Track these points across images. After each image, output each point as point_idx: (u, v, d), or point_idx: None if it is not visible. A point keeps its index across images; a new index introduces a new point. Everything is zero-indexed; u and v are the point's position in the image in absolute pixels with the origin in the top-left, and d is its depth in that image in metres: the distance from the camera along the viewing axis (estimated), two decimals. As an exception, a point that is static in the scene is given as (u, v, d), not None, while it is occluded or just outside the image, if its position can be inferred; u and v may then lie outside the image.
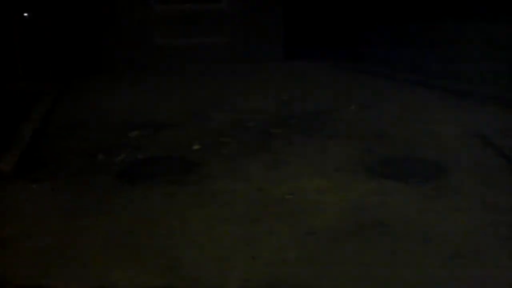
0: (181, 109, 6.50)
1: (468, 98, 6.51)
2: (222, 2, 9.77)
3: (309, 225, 3.46)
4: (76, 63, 8.64)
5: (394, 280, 2.86)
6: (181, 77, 8.39)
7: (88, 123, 5.97)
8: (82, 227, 3.53)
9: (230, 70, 8.87)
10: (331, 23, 10.82)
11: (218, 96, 7.15)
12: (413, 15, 9.29)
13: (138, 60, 9.17)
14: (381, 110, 6.22)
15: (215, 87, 7.70)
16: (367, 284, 2.85)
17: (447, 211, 3.62)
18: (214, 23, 9.67)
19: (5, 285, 2.90)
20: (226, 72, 8.74)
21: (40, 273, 2.98)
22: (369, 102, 6.61)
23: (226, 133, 5.44)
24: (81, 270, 3.03)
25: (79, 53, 8.76)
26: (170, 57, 9.42)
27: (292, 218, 3.57)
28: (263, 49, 9.87)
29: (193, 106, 6.57)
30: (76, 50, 8.76)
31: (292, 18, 10.37)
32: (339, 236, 3.33)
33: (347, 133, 5.37)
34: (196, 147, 5.01)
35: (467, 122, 5.57)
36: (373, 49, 9.46)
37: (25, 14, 8.14)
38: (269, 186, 4.09)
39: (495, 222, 3.43)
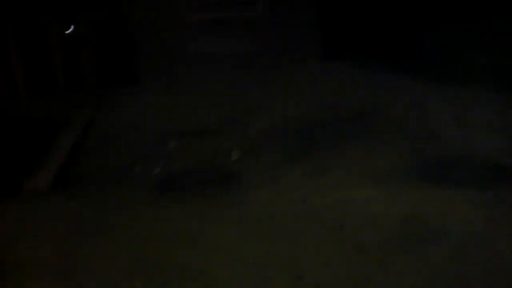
0: (219, 117, 6.29)
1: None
2: (257, 6, 9.56)
3: (359, 240, 3.16)
4: (112, 74, 8.58)
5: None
6: (216, 84, 8.20)
7: (125, 135, 5.83)
8: (113, 246, 3.36)
9: (266, 76, 8.63)
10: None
11: (255, 102, 6.91)
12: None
13: (172, 69, 9.07)
14: (427, 109, 5.84)
15: (252, 94, 7.47)
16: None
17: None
18: (249, 29, 9.47)
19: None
20: (262, 78, 8.51)
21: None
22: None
23: (266, 141, 5.18)
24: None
25: (114, 64, 8.69)
26: (205, 65, 9.28)
27: (340, 233, 3.27)
28: (299, 53, 9.60)
29: (230, 113, 6.35)
30: (112, 61, 8.70)
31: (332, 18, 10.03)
32: (393, 253, 3.01)
33: (394, 134, 5.02)
34: (234, 156, 4.77)
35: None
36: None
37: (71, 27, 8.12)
38: (314, 197, 3.81)
39: None
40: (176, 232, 3.47)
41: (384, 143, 4.81)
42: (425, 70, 7.53)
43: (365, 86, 7.34)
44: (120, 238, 3.43)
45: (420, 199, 3.65)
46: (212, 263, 3.05)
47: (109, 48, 8.69)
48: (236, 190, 4.03)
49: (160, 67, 8.97)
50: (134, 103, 7.42)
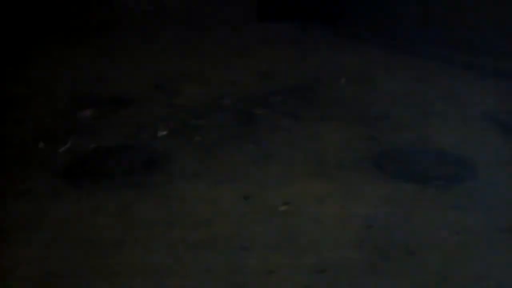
0: (145, 80, 5.37)
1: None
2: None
3: (316, 256, 2.52)
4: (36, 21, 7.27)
5: None
6: (146, 46, 7.18)
7: (29, 98, 4.80)
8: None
9: (199, 35, 7.70)
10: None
11: (187, 66, 6.01)
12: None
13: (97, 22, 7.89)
14: (379, 85, 5.27)
15: (184, 56, 6.54)
16: None
17: (492, 232, 2.74)
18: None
19: None
20: (195, 37, 7.56)
21: None
22: (363, 75, 5.63)
23: (199, 114, 4.39)
24: None
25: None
26: (131, 21, 8.17)
27: (293, 246, 2.62)
28: (233, 10, 8.73)
29: (159, 77, 5.45)
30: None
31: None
32: (355, 272, 2.40)
33: (343, 115, 4.40)
34: (162, 132, 3.96)
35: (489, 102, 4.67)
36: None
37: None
38: (257, 192, 3.12)
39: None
40: (82, 236, 2.68)
41: (332, 123, 4.20)
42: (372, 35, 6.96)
43: (307, 53, 6.68)
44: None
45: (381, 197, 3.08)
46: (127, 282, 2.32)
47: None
48: (163, 181, 3.25)
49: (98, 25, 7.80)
50: (50, 60, 6.30)
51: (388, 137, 3.94)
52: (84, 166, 3.47)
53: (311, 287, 2.30)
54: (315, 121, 4.24)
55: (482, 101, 4.66)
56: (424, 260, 2.50)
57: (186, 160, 3.54)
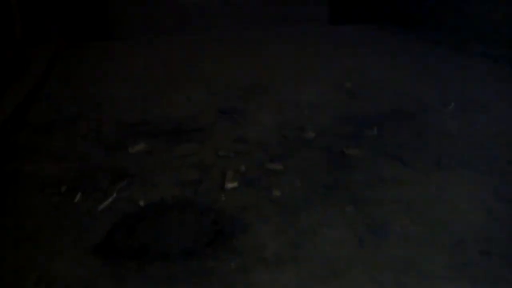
0: (206, 99, 4.40)
1: None
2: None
3: None
4: (81, 26, 6.50)
5: None
6: (205, 46, 6.19)
7: (65, 124, 3.90)
8: None
9: (268, 37, 6.65)
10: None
11: (257, 79, 4.99)
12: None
13: (152, 22, 7.00)
14: (498, 113, 4.05)
15: (251, 65, 5.52)
16: None
17: None
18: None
19: None
20: (264, 40, 6.50)
21: None
22: (472, 97, 4.41)
23: (275, 153, 3.35)
24: None
25: (83, 14, 6.60)
26: (192, 18, 7.23)
27: None
28: (303, 9, 7.65)
29: (223, 96, 4.45)
30: (80, 9, 6.61)
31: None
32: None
33: (467, 160, 3.23)
34: (231, 184, 2.95)
35: None
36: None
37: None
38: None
39: None
40: None
41: (456, 175, 3.04)
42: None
43: (396, 60, 5.48)
44: None
45: None
46: None
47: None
48: (234, 269, 2.24)
49: (136, 20, 6.93)
50: (94, 71, 5.41)
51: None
52: (129, 237, 2.50)
53: None
54: (431, 170, 3.11)
55: None
56: None
57: (263, 230, 2.50)
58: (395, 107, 4.17)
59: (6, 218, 2.66)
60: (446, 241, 2.40)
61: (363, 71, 5.26)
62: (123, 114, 4.05)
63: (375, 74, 5.13)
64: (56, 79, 4.93)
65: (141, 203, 2.76)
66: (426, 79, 4.89)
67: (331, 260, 2.28)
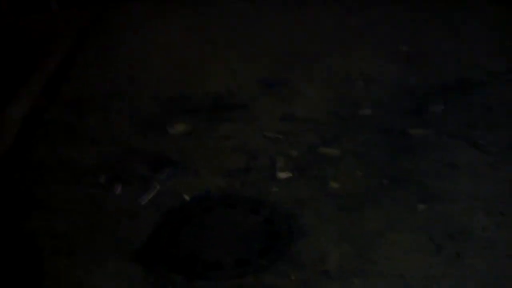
0: (246, 69, 4.01)
1: None
2: None
3: None
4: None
5: None
6: (246, 13, 5.72)
7: (99, 101, 3.59)
8: None
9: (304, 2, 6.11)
10: None
11: (299, 45, 4.54)
12: None
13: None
14: None
15: (291, 28, 5.05)
16: None
17: None
18: None
19: None
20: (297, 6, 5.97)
21: None
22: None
23: (329, 134, 2.99)
24: None
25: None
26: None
27: None
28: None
29: (267, 68, 4.05)
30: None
31: None
32: None
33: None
34: (282, 174, 2.62)
35: None
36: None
37: None
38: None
39: None
40: None
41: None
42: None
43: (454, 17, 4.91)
44: None
45: None
46: None
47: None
48: (295, 283, 1.95)
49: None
50: (129, 35, 5.03)
51: None
52: (174, 242, 2.22)
53: None
54: (508, 155, 2.70)
55: None
56: None
57: (324, 234, 2.19)
58: (459, 76, 3.70)
59: (37, 219, 2.41)
60: (539, 248, 2.05)
61: (418, 35, 4.73)
62: (160, 88, 3.72)
63: (431, 38, 4.61)
64: (89, 48, 4.62)
65: (186, 197, 2.48)
66: (489, 44, 4.36)
67: (406, 273, 1.96)
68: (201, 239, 2.19)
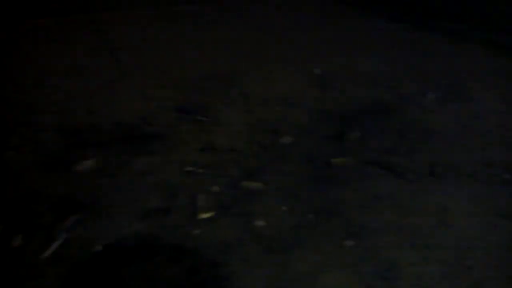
0: (161, 94, 3.79)
1: None
2: None
3: None
4: None
5: None
6: (153, 25, 5.47)
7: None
8: None
9: (224, 17, 6.00)
10: None
11: (216, 67, 4.40)
12: None
13: None
14: (481, 103, 3.71)
15: (208, 49, 4.91)
16: None
17: None
18: None
19: None
20: (219, 20, 5.86)
21: None
22: (453, 84, 4.05)
23: (250, 166, 2.85)
24: None
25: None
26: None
27: None
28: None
29: (184, 93, 3.84)
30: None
31: None
32: None
33: (460, 162, 2.88)
34: (204, 213, 2.43)
35: None
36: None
37: None
38: None
39: None
40: None
41: (456, 184, 2.68)
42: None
43: (365, 42, 5.02)
44: None
45: None
46: None
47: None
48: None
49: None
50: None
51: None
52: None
53: None
54: (425, 182, 2.72)
55: None
56: None
57: (250, 280, 2.03)
58: (374, 98, 3.75)
59: None
60: (465, 280, 2.04)
61: (330, 55, 4.78)
62: (64, 117, 3.38)
63: (343, 58, 4.67)
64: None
65: (96, 248, 2.21)
66: (401, 65, 4.49)
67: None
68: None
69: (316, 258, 2.17)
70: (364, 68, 4.36)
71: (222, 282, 2.02)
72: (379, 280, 2.05)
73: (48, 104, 3.56)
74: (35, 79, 3.94)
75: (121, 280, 2.04)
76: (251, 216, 2.42)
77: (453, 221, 2.41)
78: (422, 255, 2.18)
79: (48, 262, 2.13)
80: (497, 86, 4.03)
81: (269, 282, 2.03)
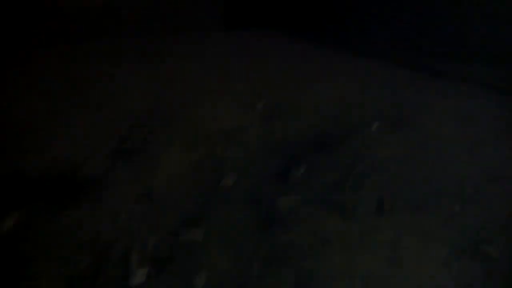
0: (99, 138, 3.53)
1: None
2: None
3: None
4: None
5: None
6: (89, 60, 5.21)
7: None
8: None
9: (160, 49, 5.82)
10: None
11: (156, 102, 4.19)
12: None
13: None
14: (423, 130, 3.66)
15: (146, 84, 4.69)
16: None
17: None
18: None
19: None
20: (155, 52, 5.67)
21: None
22: (395, 110, 4.00)
23: (191, 214, 2.64)
24: None
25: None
26: (70, 23, 6.15)
27: None
28: (192, 11, 6.87)
29: (122, 131, 3.61)
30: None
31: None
32: None
33: (409, 199, 2.78)
34: (139, 276, 2.20)
35: None
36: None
37: None
38: None
39: None
40: None
41: (407, 222, 2.56)
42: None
43: (304, 69, 4.94)
44: None
45: None
46: None
47: None
48: None
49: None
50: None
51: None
52: None
53: None
54: (374, 220, 2.60)
55: None
56: None
57: None
58: (319, 131, 3.63)
59: None
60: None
61: (275, 87, 4.66)
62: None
63: (287, 90, 4.56)
64: None
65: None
66: (347, 93, 4.42)
67: None
68: None
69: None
70: (309, 99, 4.26)
71: None
72: None
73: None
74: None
75: None
76: (191, 272, 2.21)
77: (404, 262, 2.28)
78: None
79: None
80: (444, 112, 4.01)
81: None
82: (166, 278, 2.17)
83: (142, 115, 3.87)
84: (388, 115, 3.95)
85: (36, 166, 3.05)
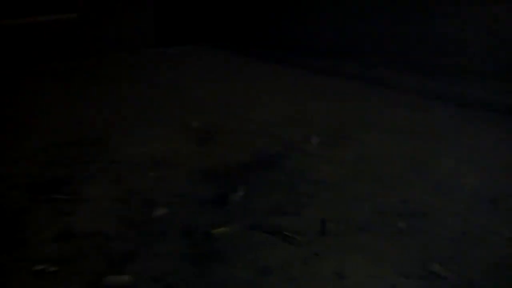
0: (16, 174, 3.17)
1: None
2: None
3: None
4: None
5: None
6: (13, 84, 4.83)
7: None
8: None
9: (85, 66, 5.52)
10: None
11: (82, 129, 3.89)
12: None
13: None
14: (359, 144, 3.57)
15: (70, 109, 4.37)
16: None
17: None
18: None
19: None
20: (78, 74, 5.36)
21: None
22: (333, 125, 3.90)
23: (119, 249, 2.37)
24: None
25: None
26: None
27: None
28: (125, 31, 6.62)
29: (42, 165, 3.26)
30: None
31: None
32: None
33: (359, 219, 2.64)
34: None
35: None
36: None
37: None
38: None
39: None
40: None
41: (357, 256, 2.40)
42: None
43: (236, 85, 4.77)
44: None
45: None
46: None
47: None
48: None
49: None
50: None
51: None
52: None
53: None
54: (317, 244, 2.42)
55: None
56: None
57: None
58: (255, 150, 3.46)
59: None
60: None
61: (210, 107, 4.47)
62: None
63: (223, 109, 4.39)
64: None
65: None
66: (283, 109, 4.29)
67: None
68: None
69: None
70: (246, 117, 4.10)
71: None
72: None
73: None
74: None
75: None
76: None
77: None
78: None
79: None
80: (387, 125, 3.96)
81: None
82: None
83: (67, 145, 3.56)
84: (329, 129, 3.84)
85: None
